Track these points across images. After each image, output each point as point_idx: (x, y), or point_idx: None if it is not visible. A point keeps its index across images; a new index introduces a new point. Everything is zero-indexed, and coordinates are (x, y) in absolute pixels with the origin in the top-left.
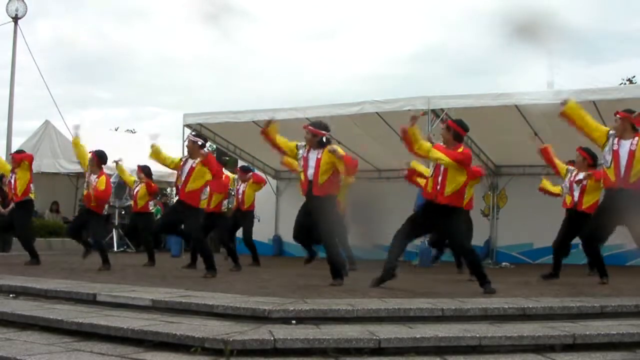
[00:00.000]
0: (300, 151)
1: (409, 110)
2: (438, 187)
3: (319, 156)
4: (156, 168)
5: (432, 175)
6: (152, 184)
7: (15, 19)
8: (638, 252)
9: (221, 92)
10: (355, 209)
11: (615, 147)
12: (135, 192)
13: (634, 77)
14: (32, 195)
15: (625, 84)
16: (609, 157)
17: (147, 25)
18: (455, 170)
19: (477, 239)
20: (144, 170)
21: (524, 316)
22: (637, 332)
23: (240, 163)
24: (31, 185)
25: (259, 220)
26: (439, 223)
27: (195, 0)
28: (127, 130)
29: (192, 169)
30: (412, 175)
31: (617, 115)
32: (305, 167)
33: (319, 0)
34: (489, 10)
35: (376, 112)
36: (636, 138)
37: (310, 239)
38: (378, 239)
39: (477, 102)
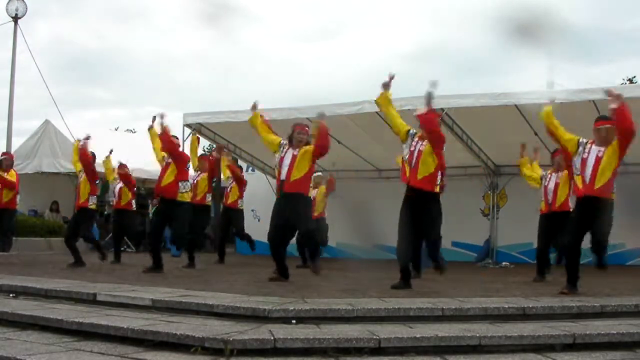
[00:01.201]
0: (280, 151)
1: (409, 110)
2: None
3: (295, 153)
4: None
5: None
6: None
7: (15, 19)
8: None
9: (220, 92)
10: (355, 209)
11: (584, 155)
12: (118, 189)
13: (634, 77)
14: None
15: (625, 84)
16: (578, 165)
17: (146, 25)
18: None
19: (477, 239)
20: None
21: (524, 316)
22: (637, 332)
23: (240, 163)
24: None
25: (258, 220)
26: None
27: (196, 0)
28: (127, 130)
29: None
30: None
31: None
32: (281, 167)
33: (318, 0)
34: (489, 9)
35: (376, 112)
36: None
37: (285, 245)
38: (378, 239)
39: (477, 102)
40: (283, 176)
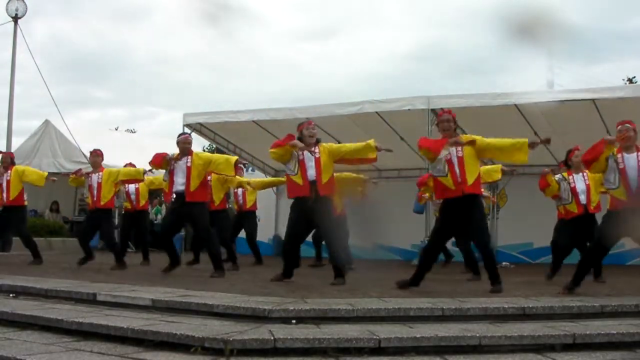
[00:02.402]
0: (296, 154)
1: (409, 109)
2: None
3: (317, 156)
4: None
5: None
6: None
7: (15, 19)
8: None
9: (220, 91)
10: (355, 209)
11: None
12: (134, 190)
13: (634, 77)
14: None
15: (625, 83)
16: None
17: (145, 25)
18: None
19: None
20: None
21: (524, 316)
22: (637, 332)
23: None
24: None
25: (259, 220)
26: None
27: (195, 0)
28: (127, 130)
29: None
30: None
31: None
32: (304, 168)
33: (318, 0)
34: (489, 9)
35: (376, 112)
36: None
37: (298, 254)
38: (378, 239)
39: (477, 102)
40: (312, 177)
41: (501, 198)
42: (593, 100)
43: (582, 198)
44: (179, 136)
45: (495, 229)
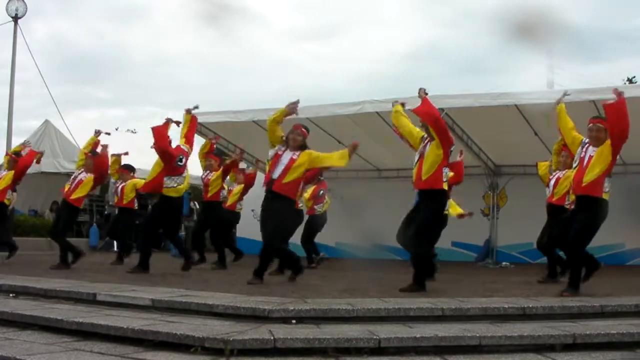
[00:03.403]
0: (276, 148)
1: (409, 109)
2: None
3: (294, 157)
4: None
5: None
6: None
7: (15, 19)
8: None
9: (219, 91)
10: (354, 209)
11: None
12: (121, 188)
13: (634, 77)
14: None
15: (625, 83)
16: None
17: (145, 25)
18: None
19: (477, 239)
20: (130, 169)
21: (524, 316)
22: (637, 332)
23: (240, 163)
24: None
25: (258, 220)
26: None
27: (196, 0)
28: (128, 130)
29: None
30: None
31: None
32: (275, 164)
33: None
34: (488, 9)
35: (376, 112)
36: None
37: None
38: (378, 238)
39: (477, 102)
40: (275, 175)
41: (501, 198)
42: (593, 101)
43: (548, 190)
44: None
45: (495, 229)
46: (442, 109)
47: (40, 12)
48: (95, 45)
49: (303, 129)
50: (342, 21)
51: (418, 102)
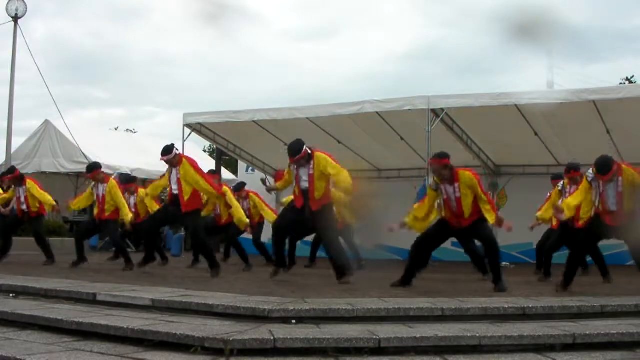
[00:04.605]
0: (292, 167)
1: (409, 109)
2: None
3: (310, 172)
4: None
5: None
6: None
7: (15, 19)
8: None
9: (219, 91)
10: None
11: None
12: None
13: (632, 76)
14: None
15: (624, 83)
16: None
17: (144, 24)
18: None
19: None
20: (133, 180)
21: (524, 316)
22: (637, 332)
23: (240, 163)
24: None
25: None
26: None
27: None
28: (127, 130)
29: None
30: None
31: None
32: (298, 180)
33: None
34: (488, 8)
35: (376, 112)
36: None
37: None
38: (379, 239)
39: (477, 102)
40: (304, 187)
41: (501, 198)
42: (593, 101)
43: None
44: None
45: (495, 229)
46: (442, 109)
47: (40, 12)
48: (94, 45)
49: (296, 159)
50: (341, 21)
51: (418, 103)
